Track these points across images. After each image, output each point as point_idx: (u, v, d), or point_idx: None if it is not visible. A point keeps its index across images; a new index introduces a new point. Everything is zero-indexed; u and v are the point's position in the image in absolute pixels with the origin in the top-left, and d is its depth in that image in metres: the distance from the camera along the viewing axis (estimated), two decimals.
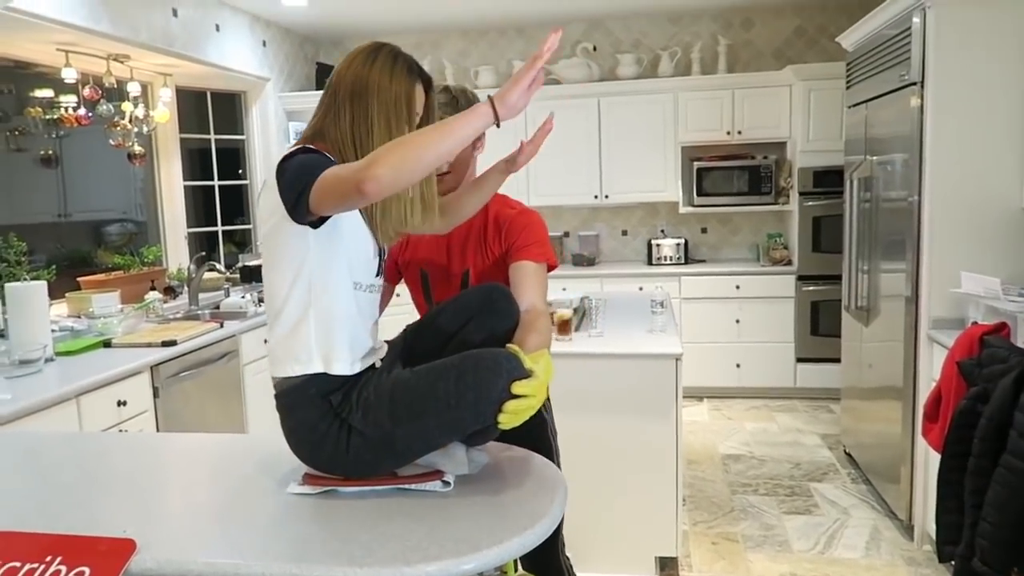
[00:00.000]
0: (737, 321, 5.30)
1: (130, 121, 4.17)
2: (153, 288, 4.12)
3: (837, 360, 4.41)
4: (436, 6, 5.19)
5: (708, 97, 5.39)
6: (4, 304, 2.96)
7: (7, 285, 2.90)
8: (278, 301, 1.44)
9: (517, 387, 1.33)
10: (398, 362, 1.56)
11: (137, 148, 4.24)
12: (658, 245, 5.62)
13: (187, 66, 4.47)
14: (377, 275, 1.54)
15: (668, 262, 5.59)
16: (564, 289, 4.76)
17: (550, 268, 1.88)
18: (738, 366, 5.34)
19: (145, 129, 4.32)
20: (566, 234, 6.01)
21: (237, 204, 5.42)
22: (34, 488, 1.58)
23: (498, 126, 1.30)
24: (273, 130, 5.39)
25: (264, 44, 5.22)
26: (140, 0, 3.90)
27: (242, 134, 5.41)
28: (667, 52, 5.54)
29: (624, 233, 5.99)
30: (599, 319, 3.07)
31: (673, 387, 2.83)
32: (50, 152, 4.08)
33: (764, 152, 5.47)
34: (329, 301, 1.43)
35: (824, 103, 5.08)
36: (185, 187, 4.89)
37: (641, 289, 5.30)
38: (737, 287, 5.28)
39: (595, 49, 5.72)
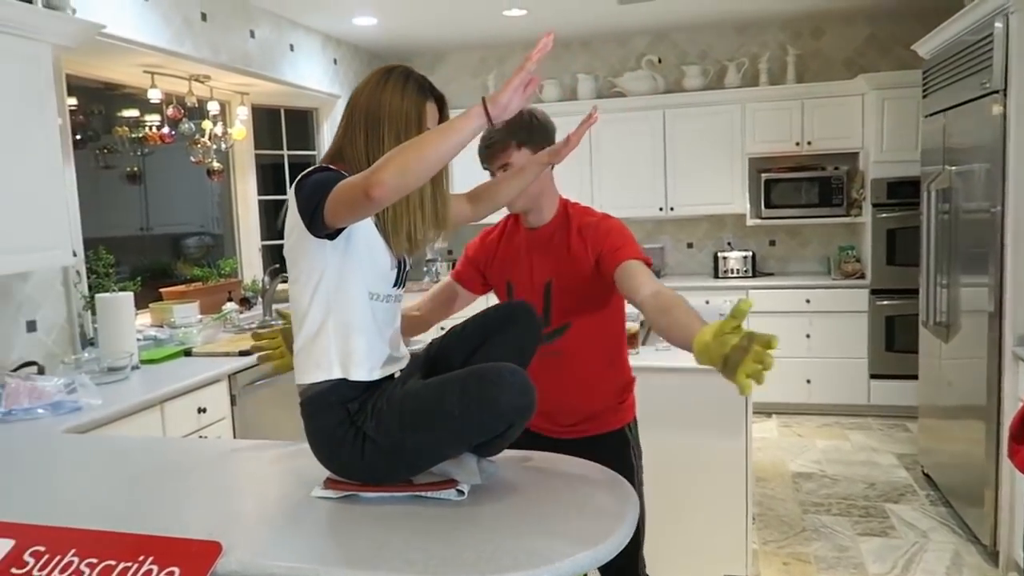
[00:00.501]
0: (807, 336, 5.18)
1: (209, 138, 4.35)
2: (230, 299, 4.27)
3: (914, 377, 4.25)
4: (501, 22, 5.26)
5: (776, 108, 5.30)
6: (94, 314, 3.12)
7: (97, 296, 3.05)
8: (301, 311, 1.50)
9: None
10: (416, 374, 1.61)
11: (216, 164, 4.41)
12: (725, 258, 5.54)
13: (263, 85, 4.63)
14: (395, 286, 1.58)
15: (735, 275, 5.50)
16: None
17: (648, 265, 1.85)
18: (808, 382, 5.21)
19: (223, 146, 4.49)
20: None
21: None
22: (124, 490, 1.65)
23: (492, 125, 1.34)
24: None
25: (335, 62, 5.38)
26: (220, 23, 4.07)
27: (313, 149, 5.57)
28: (734, 63, 5.48)
29: (689, 246, 5.93)
30: None
31: (743, 403, 2.78)
32: (135, 169, 4.29)
33: (835, 163, 5.34)
34: (346, 310, 1.49)
35: (898, 112, 4.94)
36: (259, 201, 5.07)
37: (708, 303, 5.21)
38: (807, 301, 5.16)
39: (660, 61, 5.70)
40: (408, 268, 1.63)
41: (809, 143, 5.26)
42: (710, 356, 1.30)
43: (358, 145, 1.51)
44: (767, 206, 5.35)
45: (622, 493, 1.48)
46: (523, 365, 1.56)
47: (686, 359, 2.87)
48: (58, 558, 1.41)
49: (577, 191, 5.69)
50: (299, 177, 1.47)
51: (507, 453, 1.59)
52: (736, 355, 1.25)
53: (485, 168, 1.99)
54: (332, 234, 1.43)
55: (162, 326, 3.68)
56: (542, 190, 1.97)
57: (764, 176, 5.34)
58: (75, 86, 3.65)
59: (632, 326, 3.00)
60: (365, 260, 1.51)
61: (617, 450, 2.00)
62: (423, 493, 1.48)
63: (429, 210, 1.54)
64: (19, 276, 2.85)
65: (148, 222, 4.69)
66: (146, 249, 4.66)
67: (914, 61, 4.36)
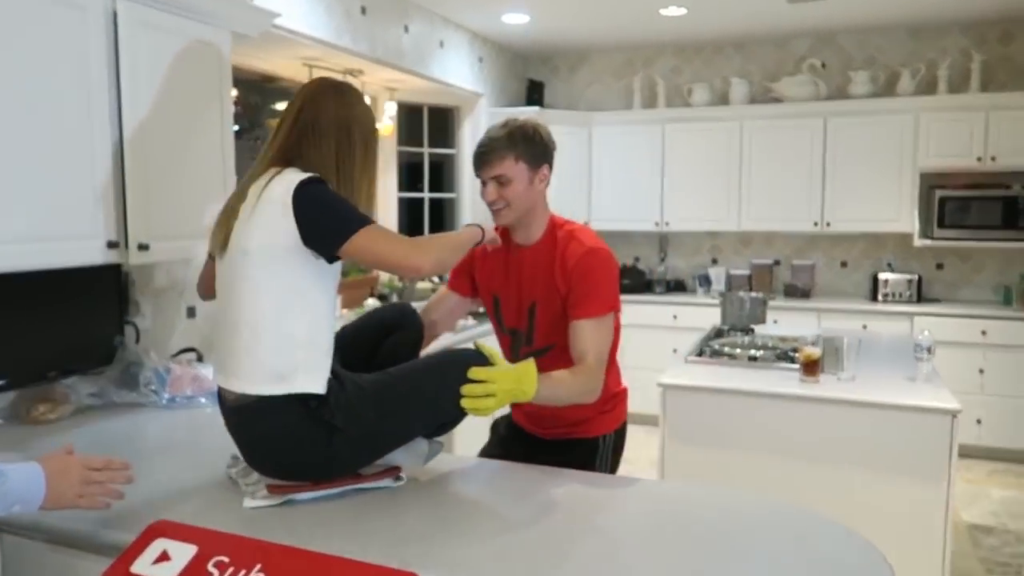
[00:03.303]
0: (980, 371, 4.67)
1: None
2: (372, 295, 4.23)
3: None
4: (651, 23, 5.03)
5: (956, 119, 4.81)
6: None
7: None
8: (260, 320, 1.51)
9: (474, 372, 1.52)
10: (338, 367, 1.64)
11: None
12: (886, 280, 5.08)
13: (412, 81, 4.59)
14: None
15: (897, 299, 5.04)
16: (775, 321, 4.41)
17: (612, 312, 1.85)
18: (979, 422, 4.70)
19: None
20: (777, 262, 5.60)
21: (440, 216, 5.53)
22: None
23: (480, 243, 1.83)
24: None
25: (480, 60, 5.29)
26: (378, 17, 4.04)
27: (453, 147, 5.50)
28: (908, 69, 5.02)
29: (843, 265, 5.49)
30: (850, 361, 2.74)
31: (947, 447, 2.46)
32: None
33: (1023, 181, 4.80)
34: (322, 324, 1.55)
35: None
36: (398, 199, 5.04)
37: (865, 327, 4.81)
38: (983, 332, 4.65)
39: (824, 66, 5.31)
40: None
41: (993, 159, 4.75)
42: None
43: (325, 152, 1.60)
44: (940, 226, 4.86)
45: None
46: (416, 357, 1.81)
47: (880, 394, 2.58)
48: (243, 573, 1.30)
49: (724, 201, 5.39)
50: (298, 186, 1.51)
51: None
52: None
53: (478, 176, 1.89)
54: (335, 258, 1.54)
55: None
56: (532, 206, 1.90)
57: (939, 193, 4.86)
58: (234, 78, 3.69)
59: (813, 351, 2.72)
60: (336, 278, 1.62)
61: (585, 457, 1.99)
62: (365, 484, 1.58)
63: None
64: (182, 262, 2.85)
65: None
66: None
67: None
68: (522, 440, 2.08)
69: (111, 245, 2.16)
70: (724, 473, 2.71)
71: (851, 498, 2.55)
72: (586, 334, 1.79)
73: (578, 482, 1.69)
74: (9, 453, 1.86)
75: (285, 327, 1.51)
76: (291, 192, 1.50)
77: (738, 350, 3.11)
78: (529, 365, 1.60)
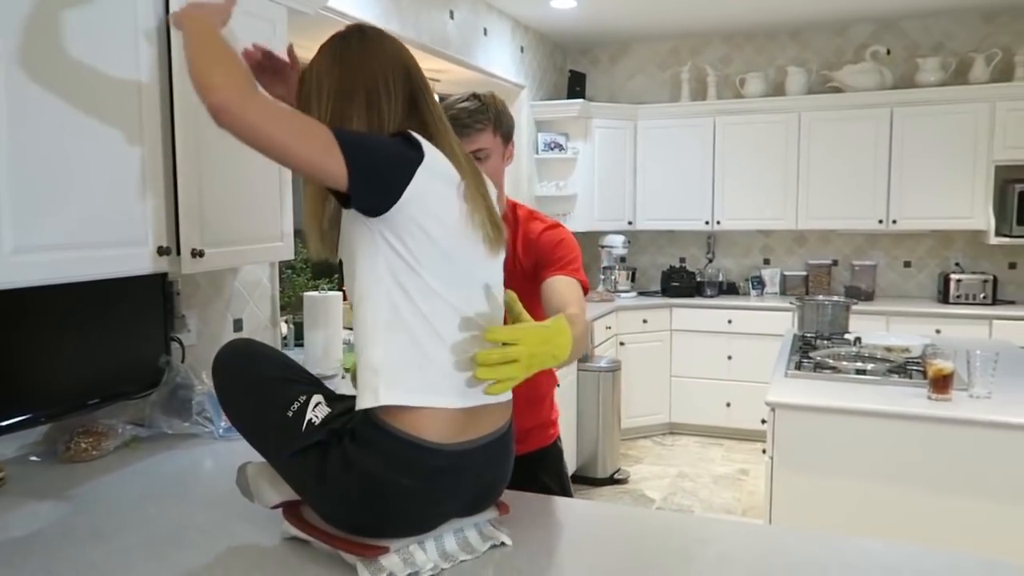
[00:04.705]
0: None
1: None
2: None
3: None
4: (699, 9, 4.72)
5: None
6: (283, 312, 2.81)
7: (306, 295, 2.73)
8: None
9: (492, 332, 1.18)
10: None
11: None
12: (959, 281, 4.76)
13: (455, 71, 4.29)
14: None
15: (970, 301, 4.72)
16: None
17: (584, 291, 1.64)
18: None
19: None
20: (835, 262, 5.29)
21: None
22: None
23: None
24: (524, 140, 5.12)
25: (522, 50, 4.98)
26: (425, 1, 3.73)
27: None
28: (982, 55, 4.70)
29: (907, 264, 5.17)
30: (984, 377, 2.43)
31: None
32: None
33: None
34: None
35: None
36: None
37: (939, 332, 4.49)
38: None
39: (888, 53, 4.99)
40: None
41: None
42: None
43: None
44: (1020, 223, 4.55)
45: None
46: None
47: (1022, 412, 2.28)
48: None
49: (781, 198, 5.07)
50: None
51: None
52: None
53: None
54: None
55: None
56: (501, 184, 1.75)
57: (1018, 188, 4.54)
58: None
59: (945, 366, 2.40)
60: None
61: (558, 466, 1.92)
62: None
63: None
64: (231, 270, 2.56)
65: None
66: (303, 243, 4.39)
67: None
68: None
69: (162, 252, 1.85)
70: (842, 508, 2.40)
71: (996, 536, 2.24)
72: (563, 287, 1.59)
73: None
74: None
75: None
76: None
77: (843, 362, 2.79)
78: (560, 321, 1.26)
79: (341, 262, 1.32)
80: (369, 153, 1.18)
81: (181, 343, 2.30)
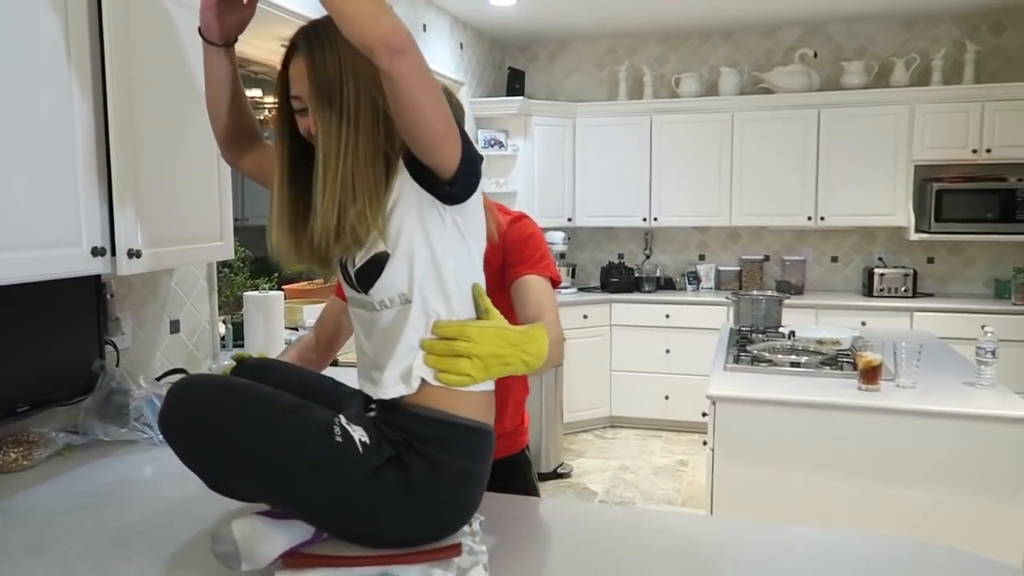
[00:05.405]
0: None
1: None
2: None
3: None
4: (635, 9, 4.80)
5: (952, 110, 4.73)
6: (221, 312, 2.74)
7: (246, 295, 2.67)
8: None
9: (439, 326, 1.19)
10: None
11: None
12: (882, 275, 4.98)
13: None
14: (351, 287, 1.28)
15: (892, 294, 4.94)
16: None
17: (554, 285, 1.59)
18: None
19: None
20: (767, 258, 5.46)
21: None
22: None
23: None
24: None
25: (461, 47, 4.97)
26: None
27: None
28: (902, 60, 4.92)
29: (834, 260, 5.38)
30: (910, 367, 2.55)
31: None
32: None
33: (1018, 174, 4.74)
34: None
35: None
36: None
37: (864, 324, 4.69)
38: (983, 328, 4.57)
39: (816, 55, 5.16)
40: (356, 267, 1.24)
41: (988, 151, 4.68)
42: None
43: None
44: (937, 219, 4.77)
45: None
46: None
47: (947, 400, 2.40)
48: None
49: (715, 196, 5.20)
50: None
51: None
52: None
53: None
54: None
55: (297, 328, 3.29)
56: None
57: (935, 186, 4.77)
58: None
59: (874, 357, 2.51)
60: None
61: (527, 473, 1.92)
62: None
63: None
64: (167, 270, 2.48)
65: (243, 212, 4.33)
66: (245, 241, 4.29)
67: None
68: None
69: (96, 252, 1.78)
70: (781, 496, 2.49)
71: (924, 518, 2.36)
72: (535, 288, 1.53)
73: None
74: None
75: None
76: None
77: (779, 355, 2.89)
78: (537, 328, 1.27)
79: (342, 262, 1.28)
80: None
81: (115, 346, 2.22)
